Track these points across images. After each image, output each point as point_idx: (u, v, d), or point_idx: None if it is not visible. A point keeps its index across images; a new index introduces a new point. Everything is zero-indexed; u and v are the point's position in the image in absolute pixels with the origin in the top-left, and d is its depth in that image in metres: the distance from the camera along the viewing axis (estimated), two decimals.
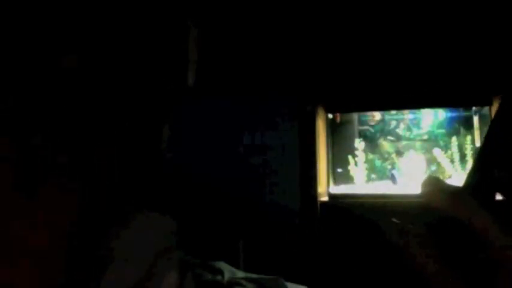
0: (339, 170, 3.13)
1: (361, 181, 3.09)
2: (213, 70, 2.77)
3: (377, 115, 3.18)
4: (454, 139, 3.01)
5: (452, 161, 3.01)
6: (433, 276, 0.34)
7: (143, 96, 0.28)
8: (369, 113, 3.17)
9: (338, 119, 3.18)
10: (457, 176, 3.00)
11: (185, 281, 0.41)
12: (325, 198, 2.99)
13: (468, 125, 3.04)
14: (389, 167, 3.13)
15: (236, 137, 2.94)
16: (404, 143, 3.16)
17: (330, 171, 3.09)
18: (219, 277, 0.44)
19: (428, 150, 3.09)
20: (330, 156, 3.09)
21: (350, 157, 3.09)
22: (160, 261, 0.37)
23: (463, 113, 3.07)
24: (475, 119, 3.02)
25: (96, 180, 0.29)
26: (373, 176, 3.13)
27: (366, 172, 3.10)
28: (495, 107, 2.79)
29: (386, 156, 3.16)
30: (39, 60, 0.25)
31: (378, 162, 3.15)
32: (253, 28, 2.85)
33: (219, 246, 2.71)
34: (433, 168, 3.06)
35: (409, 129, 3.16)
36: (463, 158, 3.00)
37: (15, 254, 0.28)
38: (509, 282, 0.33)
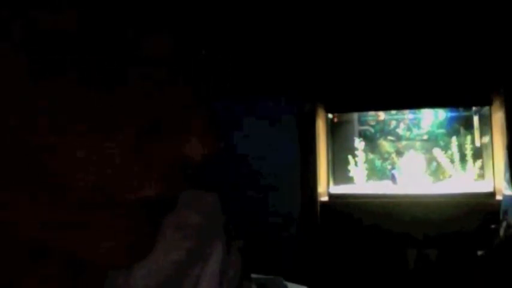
0: (339, 170, 3.13)
1: (361, 181, 3.09)
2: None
3: (382, 114, 3.18)
4: (454, 139, 3.01)
5: (452, 161, 3.01)
6: None
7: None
8: (374, 112, 3.17)
9: (336, 119, 3.18)
10: (457, 176, 3.00)
11: (232, 248, 0.44)
12: (325, 198, 2.99)
13: (468, 125, 3.04)
14: (389, 167, 3.13)
15: (236, 136, 2.93)
16: (404, 143, 3.16)
17: (330, 171, 3.09)
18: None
19: (428, 150, 3.09)
20: (330, 156, 3.09)
21: (350, 157, 3.09)
22: (213, 231, 0.43)
23: (463, 113, 3.07)
24: (475, 119, 3.02)
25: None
26: (373, 176, 3.13)
27: (366, 172, 3.10)
28: (495, 107, 2.79)
29: (386, 156, 3.16)
30: None
31: (377, 162, 3.15)
32: (253, 29, 2.85)
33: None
34: (433, 168, 3.06)
35: (409, 129, 3.16)
36: (463, 158, 3.00)
37: None
38: None
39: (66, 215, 0.26)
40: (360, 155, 3.09)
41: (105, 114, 0.25)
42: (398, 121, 3.17)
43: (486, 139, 2.91)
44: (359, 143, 3.10)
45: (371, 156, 3.14)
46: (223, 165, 2.75)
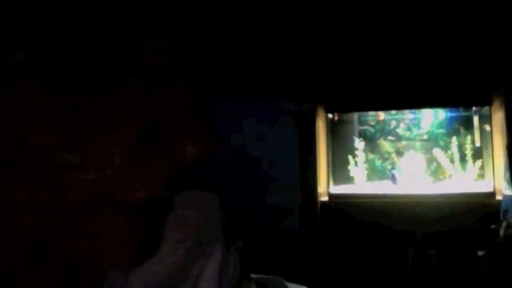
0: (339, 170, 3.13)
1: (361, 181, 3.08)
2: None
3: (382, 114, 3.18)
4: (454, 139, 3.01)
5: (452, 161, 3.01)
6: None
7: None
8: (374, 112, 3.17)
9: (336, 119, 3.18)
10: (457, 176, 3.00)
11: (231, 248, 0.44)
12: (325, 198, 2.99)
13: (468, 125, 3.04)
14: (389, 167, 3.13)
15: (236, 136, 2.93)
16: (404, 143, 3.15)
17: (330, 171, 3.08)
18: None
19: (428, 150, 3.09)
20: (330, 156, 3.09)
21: (350, 157, 3.09)
22: (211, 232, 0.43)
23: (463, 113, 3.07)
24: (475, 119, 3.02)
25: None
26: (373, 176, 3.13)
27: (366, 172, 3.10)
28: (495, 107, 2.79)
29: (386, 156, 3.16)
30: None
31: (377, 162, 3.15)
32: (253, 29, 2.85)
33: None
34: (433, 168, 3.06)
35: (409, 129, 3.16)
36: (463, 158, 2.99)
37: None
38: None
39: (66, 215, 0.26)
40: (360, 155, 3.09)
41: (105, 115, 0.25)
42: (398, 121, 3.17)
43: (486, 139, 2.90)
44: (359, 143, 3.10)
45: (371, 156, 3.14)
46: (223, 165, 2.75)
